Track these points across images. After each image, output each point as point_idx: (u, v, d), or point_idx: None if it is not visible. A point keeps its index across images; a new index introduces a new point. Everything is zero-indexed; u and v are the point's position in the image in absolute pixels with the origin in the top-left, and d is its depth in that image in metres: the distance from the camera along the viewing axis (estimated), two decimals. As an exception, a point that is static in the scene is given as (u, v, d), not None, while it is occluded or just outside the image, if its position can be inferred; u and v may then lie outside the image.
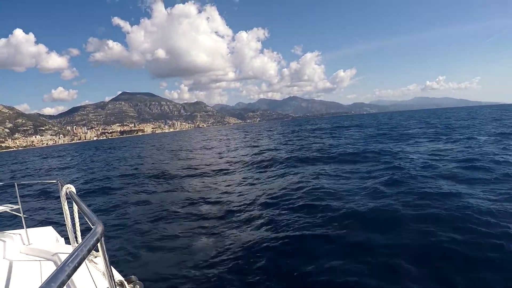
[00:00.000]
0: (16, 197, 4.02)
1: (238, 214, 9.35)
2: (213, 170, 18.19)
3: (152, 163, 25.98)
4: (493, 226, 6.52)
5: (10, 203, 4.36)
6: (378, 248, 6.21)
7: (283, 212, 9.08)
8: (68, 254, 1.14)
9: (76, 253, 1.14)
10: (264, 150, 26.56)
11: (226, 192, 12.47)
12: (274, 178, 14.49)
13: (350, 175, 12.72)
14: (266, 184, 13.24)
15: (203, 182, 15.23)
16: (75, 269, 1.06)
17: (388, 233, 6.78)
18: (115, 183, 17.74)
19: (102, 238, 1.43)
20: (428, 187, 9.58)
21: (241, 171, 17.40)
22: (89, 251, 1.22)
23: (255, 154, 24.48)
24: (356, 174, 12.77)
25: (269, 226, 8.08)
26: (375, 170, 13.14)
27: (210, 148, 36.15)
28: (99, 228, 1.44)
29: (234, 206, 10.23)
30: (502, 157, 13.15)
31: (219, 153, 28.51)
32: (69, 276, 1.02)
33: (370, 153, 17.71)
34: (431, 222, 7.01)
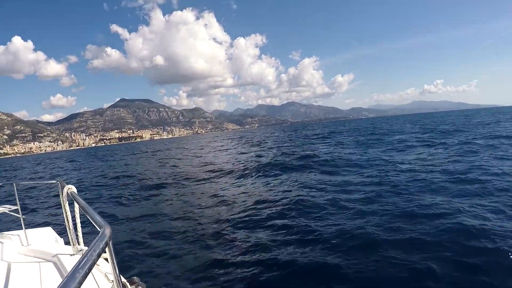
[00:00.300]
0: (15, 198, 3.98)
1: (198, 233, 8.29)
2: (193, 180, 17.28)
3: (136, 172, 25.02)
4: (490, 255, 5.36)
5: (8, 204, 4.31)
6: (344, 282, 5.10)
7: (246, 231, 8.05)
8: (78, 260, 1.07)
9: (86, 258, 1.09)
10: (251, 157, 25.71)
11: (193, 206, 11.50)
12: (250, 188, 13.71)
13: (328, 187, 11.52)
14: (237, 196, 12.19)
15: (176, 194, 14.26)
16: (85, 275, 1.01)
17: (358, 261, 5.61)
18: (90, 193, 16.85)
19: (110, 242, 1.36)
20: (413, 205, 8.30)
21: (218, 181, 16.43)
22: (98, 256, 1.16)
23: (241, 161, 23.55)
24: (335, 187, 11.51)
25: (225, 248, 7.08)
26: (356, 183, 11.91)
27: (199, 156, 35.10)
28: (107, 231, 1.38)
29: (196, 224, 9.19)
30: (500, 169, 11.73)
31: (206, 161, 27.47)
32: (80, 283, 0.96)
33: (355, 163, 16.48)
34: (411, 249, 5.85)
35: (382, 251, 5.91)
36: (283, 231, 7.62)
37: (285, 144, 36.54)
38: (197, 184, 16.13)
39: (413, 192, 9.76)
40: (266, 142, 44.73)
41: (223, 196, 12.48)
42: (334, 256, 5.95)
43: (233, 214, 9.70)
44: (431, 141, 23.90)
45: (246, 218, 9.02)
